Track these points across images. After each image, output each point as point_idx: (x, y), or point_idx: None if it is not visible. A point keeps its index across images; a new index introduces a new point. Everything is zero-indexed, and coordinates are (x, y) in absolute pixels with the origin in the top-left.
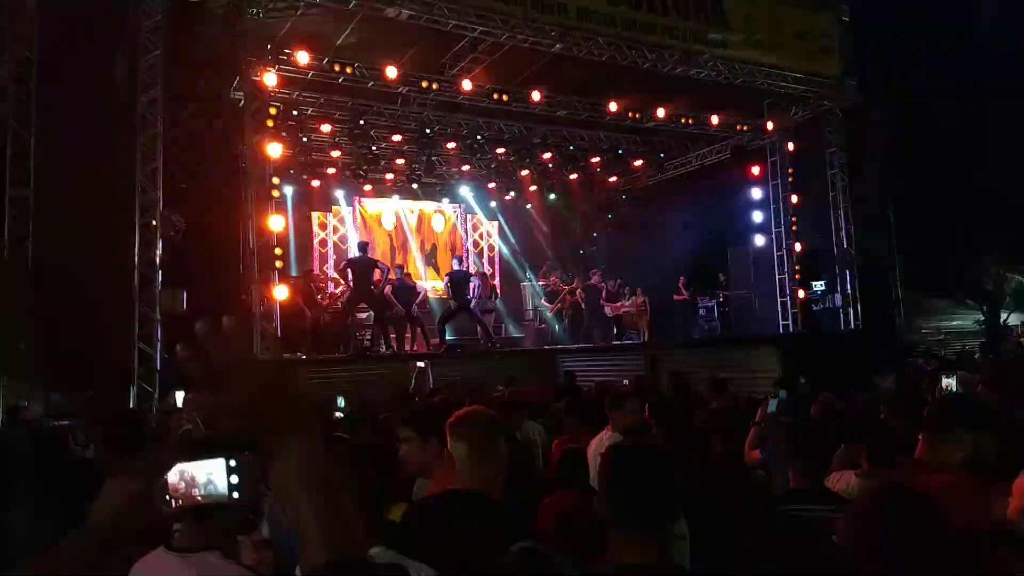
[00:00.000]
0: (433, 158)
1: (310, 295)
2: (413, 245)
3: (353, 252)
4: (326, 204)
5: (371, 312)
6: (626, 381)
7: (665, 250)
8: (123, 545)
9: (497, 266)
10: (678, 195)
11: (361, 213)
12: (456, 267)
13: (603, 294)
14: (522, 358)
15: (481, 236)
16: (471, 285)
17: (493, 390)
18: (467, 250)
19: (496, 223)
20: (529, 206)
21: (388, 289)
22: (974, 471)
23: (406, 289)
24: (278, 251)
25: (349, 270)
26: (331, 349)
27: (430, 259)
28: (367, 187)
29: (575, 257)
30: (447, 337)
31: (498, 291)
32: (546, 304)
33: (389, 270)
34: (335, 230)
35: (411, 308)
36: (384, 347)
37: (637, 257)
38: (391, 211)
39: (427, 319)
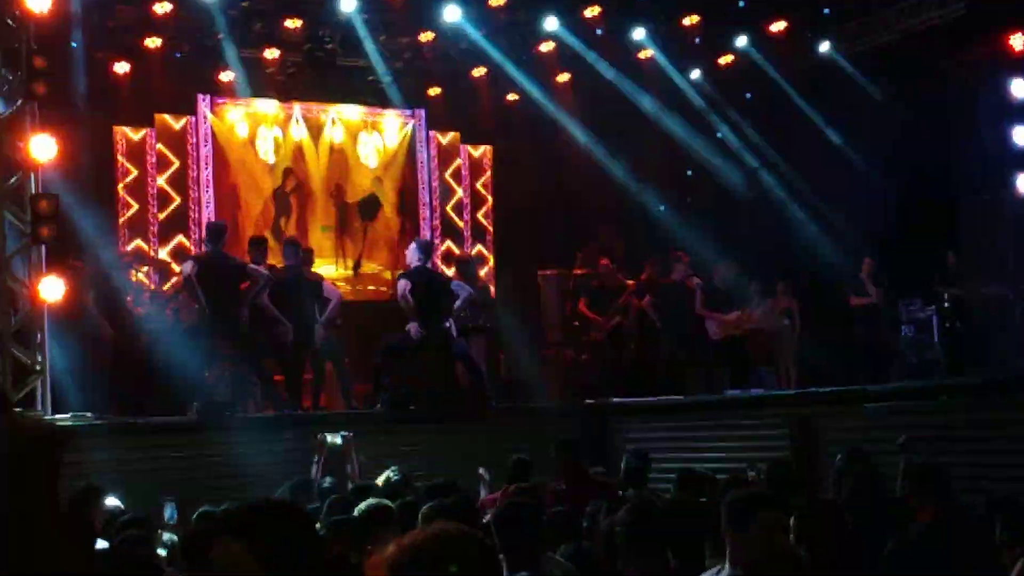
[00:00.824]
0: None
1: (112, 297)
2: (320, 197)
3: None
4: (145, 113)
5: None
6: (753, 473)
7: (828, 205)
8: None
9: (491, 240)
10: (855, 93)
11: (215, 130)
12: (417, 257)
13: (700, 296)
14: (542, 424)
15: (472, 174)
16: (452, 297)
17: (481, 487)
18: (434, 212)
19: (489, 147)
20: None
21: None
22: None
23: (304, 289)
24: (44, 205)
25: (193, 280)
26: (154, 404)
27: (360, 220)
28: (226, 76)
29: (640, 223)
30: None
31: (491, 291)
32: (586, 312)
33: (267, 278)
34: (162, 163)
35: (311, 330)
36: (262, 401)
37: (775, 224)
38: (276, 124)
39: (348, 347)
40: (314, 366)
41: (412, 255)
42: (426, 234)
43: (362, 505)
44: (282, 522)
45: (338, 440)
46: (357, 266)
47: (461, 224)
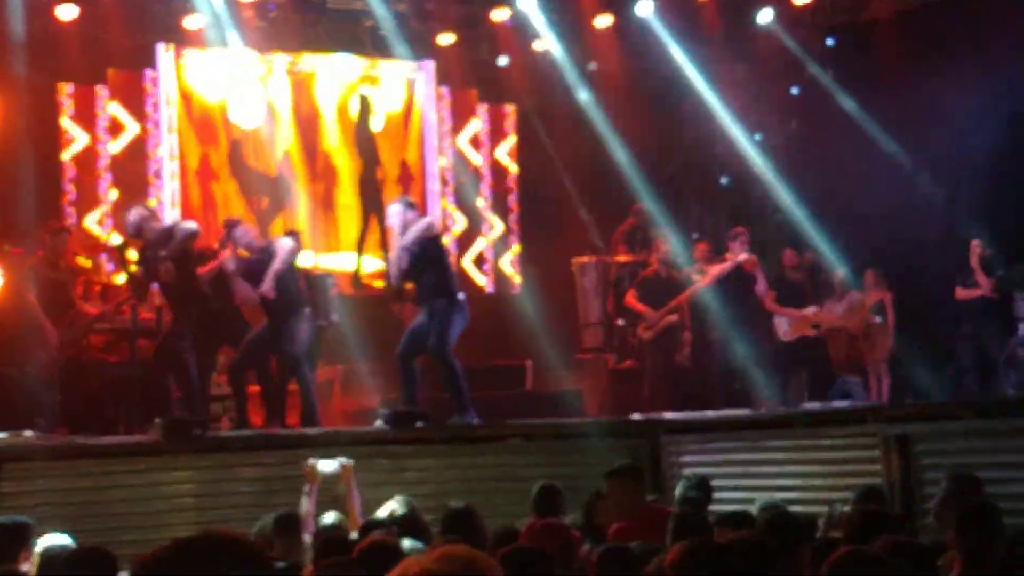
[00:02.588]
0: None
1: (59, 288)
2: (306, 168)
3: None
4: (95, 67)
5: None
6: (843, 507)
7: (927, 175)
8: None
9: (515, 221)
10: (961, 35)
11: (182, 89)
12: (409, 218)
13: (764, 287)
14: (578, 443)
15: (492, 140)
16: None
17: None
18: (444, 186)
19: (513, 107)
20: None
21: (232, 265)
22: None
23: (279, 267)
24: None
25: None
26: (108, 421)
27: (370, 199)
28: (192, 22)
29: (709, 194)
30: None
31: (513, 279)
32: (635, 305)
33: (229, 239)
34: (114, 127)
35: (291, 322)
36: (238, 417)
37: (856, 191)
38: (255, 78)
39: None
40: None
41: (402, 217)
42: (435, 213)
43: (364, 543)
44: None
45: (332, 467)
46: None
47: (479, 201)
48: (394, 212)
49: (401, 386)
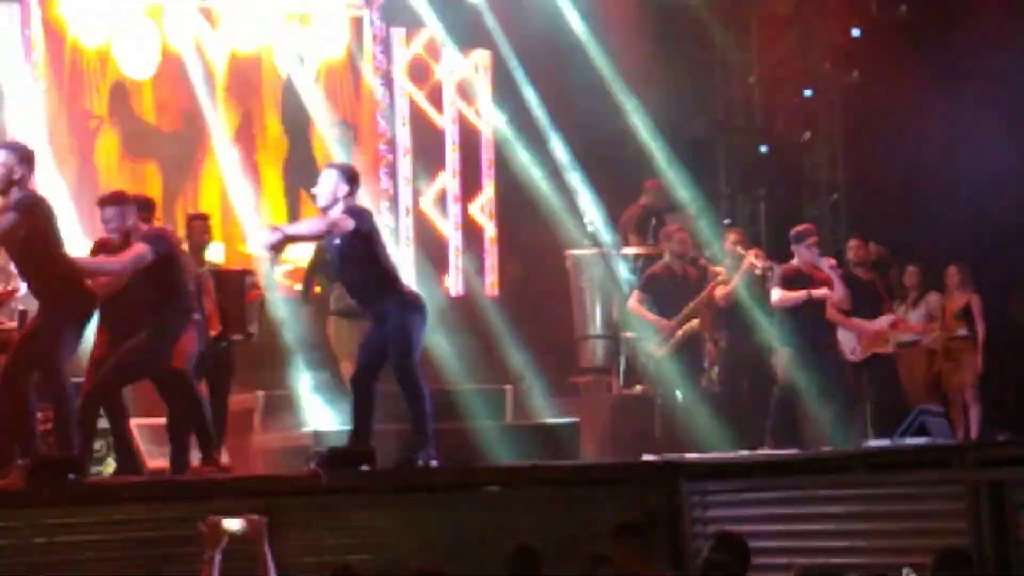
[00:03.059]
0: None
1: None
2: (217, 126)
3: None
4: None
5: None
6: (909, 572)
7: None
8: None
9: (491, 200)
10: None
11: (51, 28)
12: (345, 190)
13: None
14: (572, 491)
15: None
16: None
17: None
18: (396, 151)
19: (487, 53)
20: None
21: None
22: None
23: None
24: None
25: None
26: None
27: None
28: None
29: (745, 166)
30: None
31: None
32: (640, 314)
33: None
34: None
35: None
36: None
37: (934, 161)
38: (149, 17)
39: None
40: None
41: (332, 185)
42: (386, 186)
43: None
44: None
45: (239, 525)
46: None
47: (442, 173)
48: (327, 180)
49: (352, 418)
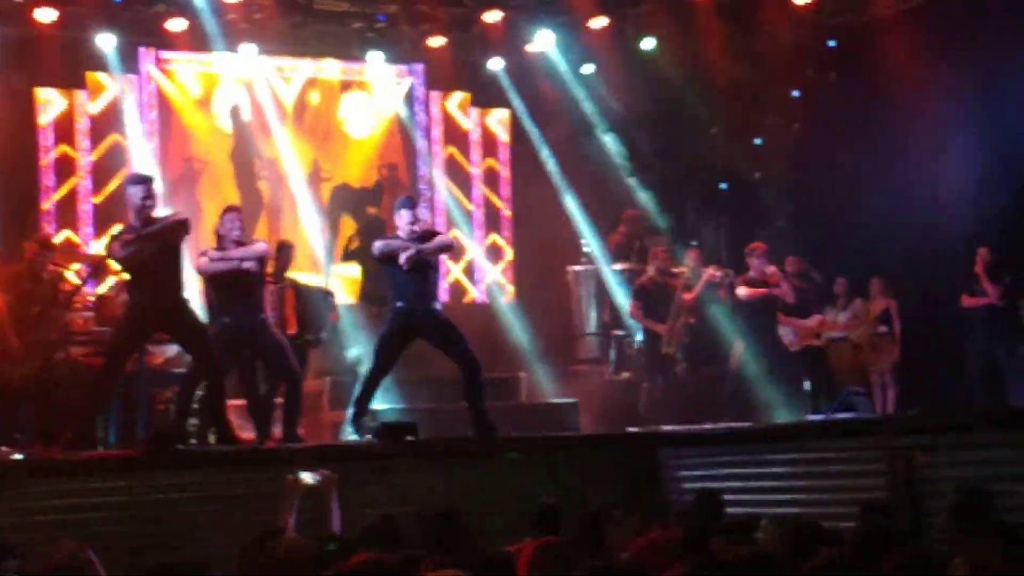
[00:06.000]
0: None
1: (36, 301)
2: (298, 169)
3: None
4: (74, 71)
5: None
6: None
7: (933, 181)
8: None
9: (508, 230)
10: (963, 40)
11: (162, 93)
12: (411, 220)
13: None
14: (574, 457)
15: (484, 146)
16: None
17: (496, 537)
18: (435, 193)
19: (507, 112)
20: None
21: (206, 263)
22: None
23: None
24: None
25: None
26: (82, 437)
27: (338, 207)
28: (175, 24)
29: (709, 197)
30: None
31: (506, 289)
32: (642, 320)
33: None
34: (96, 134)
35: (261, 337)
36: (216, 433)
37: (859, 196)
38: (239, 82)
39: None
40: (282, 381)
41: (403, 220)
42: (426, 216)
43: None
44: None
45: (311, 477)
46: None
47: (471, 208)
48: (403, 214)
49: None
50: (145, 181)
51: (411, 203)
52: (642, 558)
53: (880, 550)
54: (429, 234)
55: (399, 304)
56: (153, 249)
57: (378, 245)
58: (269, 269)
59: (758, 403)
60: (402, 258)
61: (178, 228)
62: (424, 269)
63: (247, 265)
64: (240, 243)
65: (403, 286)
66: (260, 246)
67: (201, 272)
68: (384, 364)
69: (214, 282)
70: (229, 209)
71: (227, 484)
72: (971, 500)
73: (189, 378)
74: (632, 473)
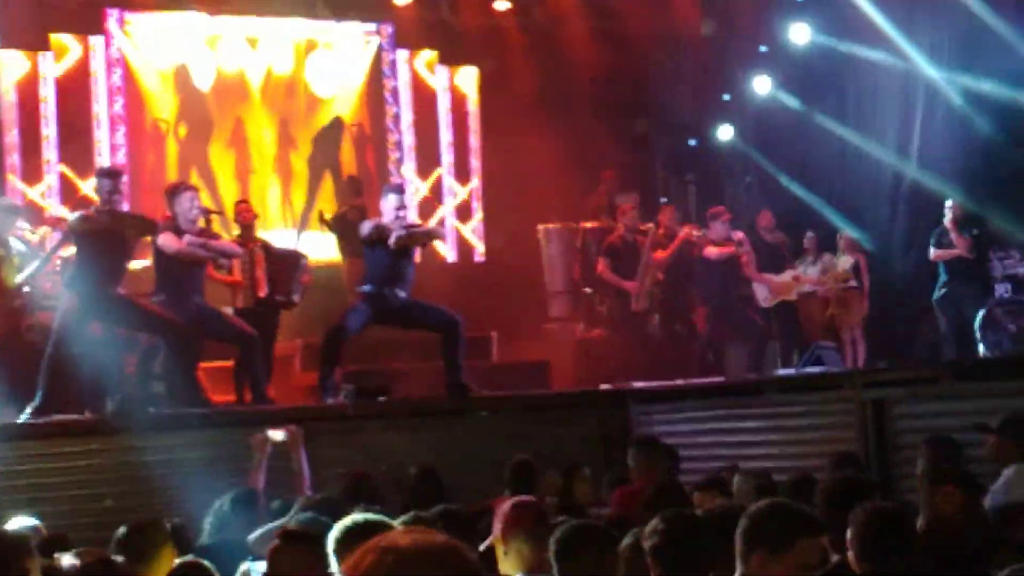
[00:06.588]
0: None
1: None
2: (261, 137)
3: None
4: (36, 34)
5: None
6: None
7: (898, 136)
8: None
9: (478, 188)
10: None
11: (126, 54)
12: (396, 206)
13: (745, 251)
14: (546, 415)
15: (454, 105)
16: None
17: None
18: (405, 154)
19: (475, 69)
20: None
21: (182, 246)
22: None
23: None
24: None
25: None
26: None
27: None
28: None
29: (677, 156)
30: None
31: (476, 248)
32: (611, 278)
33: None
34: (61, 96)
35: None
36: (191, 395)
37: (832, 156)
38: (204, 43)
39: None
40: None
41: (390, 204)
42: (397, 183)
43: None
44: None
45: (278, 434)
46: (303, 226)
47: (440, 169)
48: (388, 200)
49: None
50: (114, 175)
51: (399, 189)
52: (622, 510)
53: (850, 501)
54: (411, 225)
55: (369, 288)
56: (111, 226)
57: (368, 225)
58: (236, 231)
59: (727, 360)
60: (392, 239)
61: (144, 226)
62: (405, 255)
63: (221, 261)
64: (203, 231)
65: (380, 269)
66: (237, 249)
67: (171, 252)
68: (347, 337)
69: (171, 261)
70: (187, 188)
71: (195, 446)
72: (939, 450)
73: (150, 343)
74: (604, 430)
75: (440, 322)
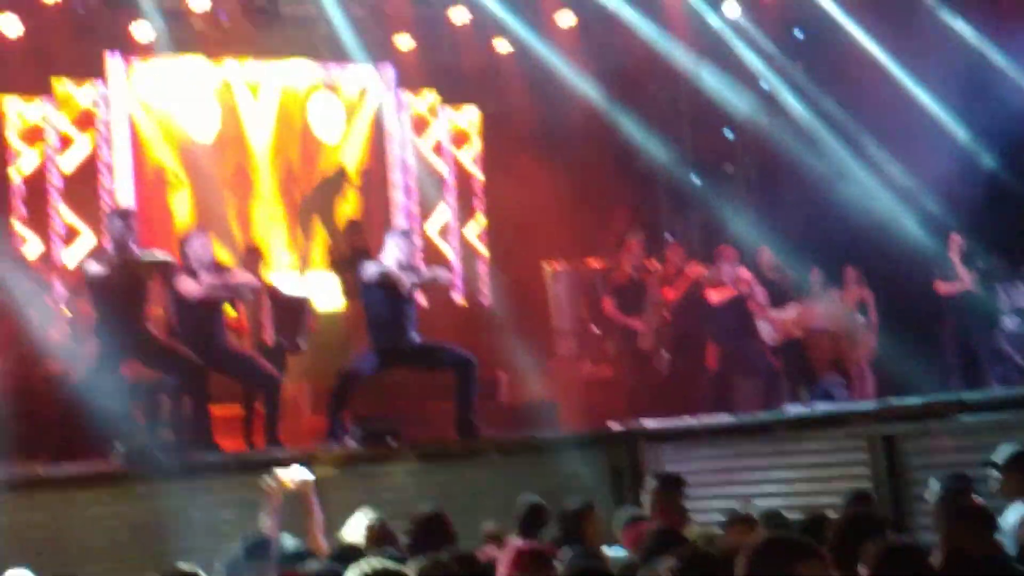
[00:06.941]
0: None
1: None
2: (264, 181)
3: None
4: (39, 78)
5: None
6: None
7: (904, 169)
8: None
9: (483, 229)
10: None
11: (128, 97)
12: (401, 250)
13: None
14: (552, 457)
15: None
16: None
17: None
18: (410, 195)
19: (477, 110)
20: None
21: (200, 290)
22: None
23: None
24: None
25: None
26: (64, 449)
27: (308, 211)
28: (140, 31)
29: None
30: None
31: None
32: (618, 316)
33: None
34: (66, 142)
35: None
36: (203, 437)
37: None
38: (208, 88)
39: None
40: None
41: (394, 249)
42: (400, 224)
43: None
44: None
45: (292, 479)
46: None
47: (444, 209)
48: (394, 244)
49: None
50: (127, 216)
51: (405, 234)
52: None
53: (863, 538)
54: (417, 270)
55: (380, 337)
56: (127, 269)
57: (372, 269)
58: None
59: (737, 397)
60: (406, 288)
61: (159, 266)
62: (411, 299)
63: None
64: (219, 267)
65: (385, 314)
66: (255, 280)
67: (195, 299)
68: (359, 382)
69: (186, 302)
70: (200, 231)
71: (207, 492)
72: (952, 486)
73: (154, 387)
74: (614, 469)
75: (454, 361)
